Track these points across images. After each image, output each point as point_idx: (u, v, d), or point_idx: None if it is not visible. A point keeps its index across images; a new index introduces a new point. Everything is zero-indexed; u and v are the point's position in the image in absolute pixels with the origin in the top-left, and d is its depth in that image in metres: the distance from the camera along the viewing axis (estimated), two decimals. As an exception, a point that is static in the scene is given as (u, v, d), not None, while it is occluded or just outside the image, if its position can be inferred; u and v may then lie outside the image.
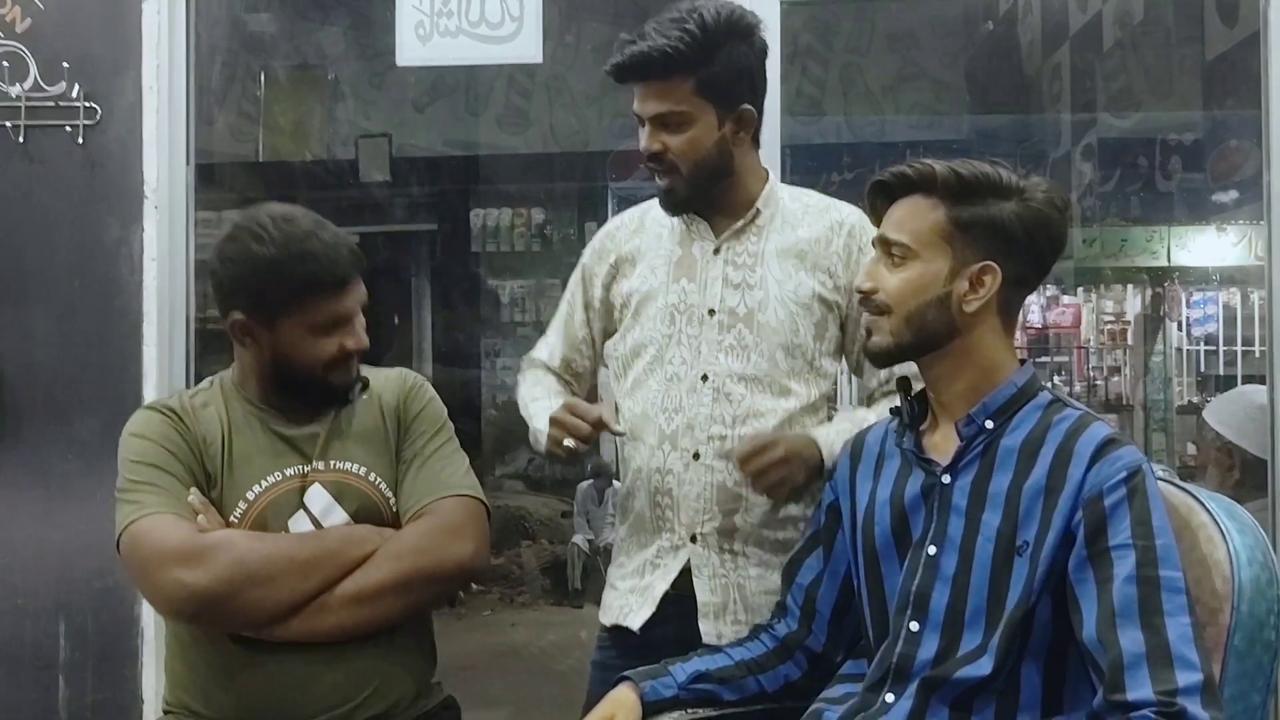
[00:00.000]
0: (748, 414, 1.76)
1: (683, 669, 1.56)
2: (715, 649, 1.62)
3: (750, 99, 1.77)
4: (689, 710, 1.55)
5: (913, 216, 1.42)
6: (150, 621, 2.39)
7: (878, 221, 1.48)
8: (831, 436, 1.71)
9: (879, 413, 1.73)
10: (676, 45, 1.68)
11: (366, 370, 1.78)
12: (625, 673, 1.57)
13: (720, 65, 1.72)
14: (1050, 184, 1.43)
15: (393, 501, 1.69)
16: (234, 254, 1.62)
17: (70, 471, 2.40)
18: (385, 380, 1.78)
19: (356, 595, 1.57)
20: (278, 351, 1.64)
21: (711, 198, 1.81)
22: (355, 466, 1.68)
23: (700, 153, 1.75)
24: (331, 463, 1.67)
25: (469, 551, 1.64)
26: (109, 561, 2.39)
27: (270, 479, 1.64)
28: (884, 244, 1.45)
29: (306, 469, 1.66)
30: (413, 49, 2.49)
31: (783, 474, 1.65)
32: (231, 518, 1.62)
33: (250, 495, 1.63)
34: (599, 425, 1.68)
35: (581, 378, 2.00)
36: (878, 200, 1.48)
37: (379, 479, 1.69)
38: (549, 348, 2.02)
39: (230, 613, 1.54)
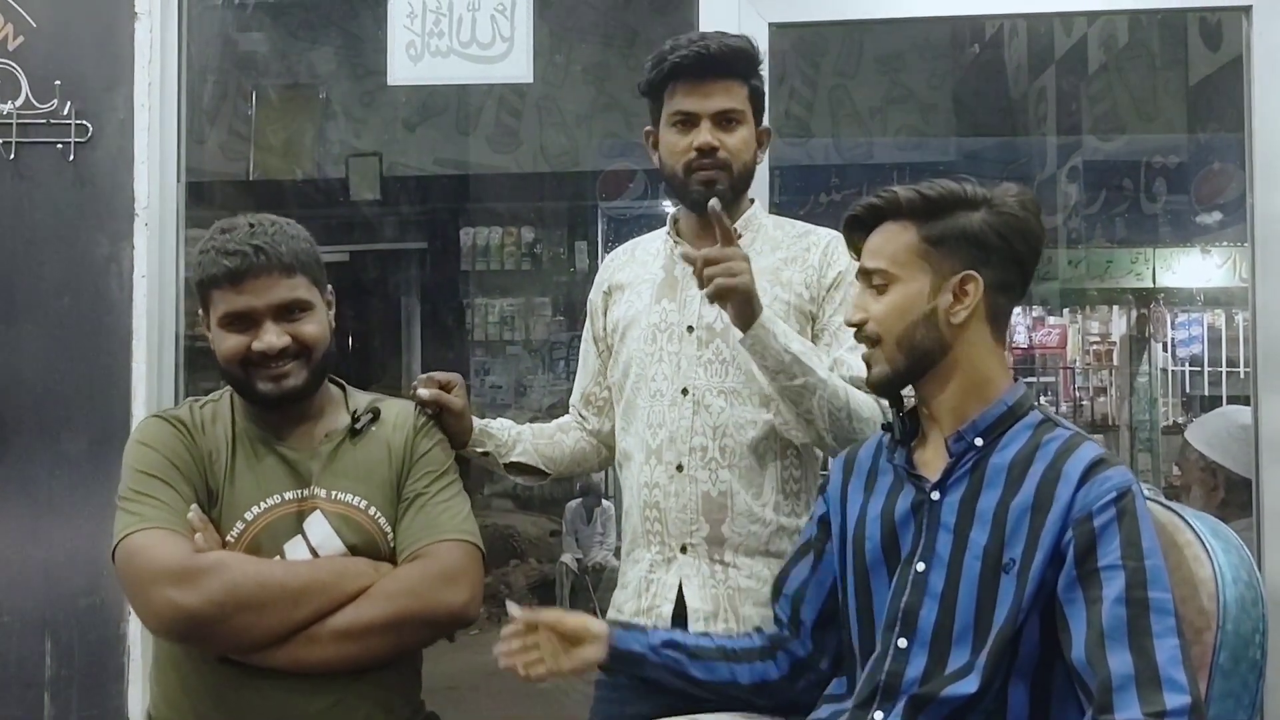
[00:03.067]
0: (728, 424, 1.79)
1: (658, 633, 1.58)
2: (703, 634, 1.64)
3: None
4: None
5: (887, 242, 1.45)
6: (137, 639, 2.38)
7: (858, 256, 1.51)
8: (773, 317, 1.70)
9: (819, 362, 1.72)
10: (747, 48, 1.81)
11: (380, 400, 1.78)
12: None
13: (759, 79, 1.85)
14: (1019, 188, 1.45)
15: (390, 537, 1.67)
16: None
17: (58, 488, 2.39)
18: (397, 414, 1.77)
19: (346, 631, 1.56)
20: (214, 348, 1.66)
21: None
22: (356, 499, 1.67)
23: (748, 154, 1.84)
24: (333, 493, 1.66)
25: (463, 599, 1.62)
26: (96, 578, 2.38)
27: (270, 501, 1.64)
28: (865, 274, 1.48)
29: (306, 494, 1.65)
30: (404, 68, 2.50)
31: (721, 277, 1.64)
32: (228, 537, 1.61)
33: (249, 516, 1.62)
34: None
35: (604, 410, 2.03)
36: (854, 235, 1.51)
37: (379, 514, 1.67)
38: (577, 387, 2.09)
39: (219, 636, 1.53)
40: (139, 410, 2.39)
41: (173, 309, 2.48)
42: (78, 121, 2.42)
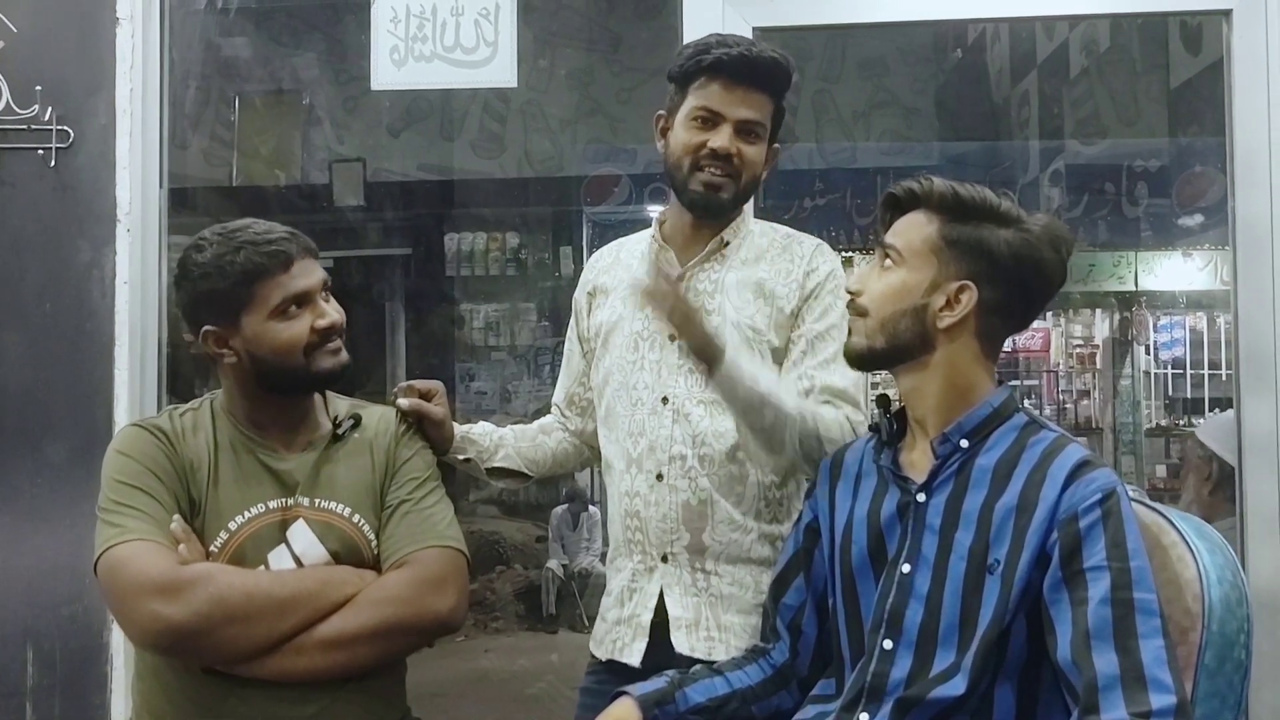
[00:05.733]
0: (707, 434, 1.78)
1: (686, 697, 1.54)
2: (714, 671, 1.61)
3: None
4: None
5: (910, 227, 1.47)
6: (119, 648, 2.36)
7: (886, 231, 1.52)
8: (737, 356, 1.67)
9: (787, 395, 1.69)
10: (788, 67, 1.79)
11: (360, 407, 1.78)
12: (624, 688, 1.56)
13: (783, 99, 1.83)
14: (1057, 224, 1.45)
15: (374, 544, 1.67)
16: (183, 271, 1.65)
17: (39, 495, 2.37)
18: (378, 420, 1.77)
19: (334, 640, 1.55)
20: (254, 353, 1.63)
21: (714, 222, 1.86)
22: (340, 506, 1.66)
23: (758, 169, 1.82)
24: (316, 500, 1.66)
25: (449, 605, 1.62)
26: (78, 587, 2.36)
27: (253, 510, 1.63)
28: (881, 248, 1.49)
29: (290, 502, 1.64)
30: (387, 73, 2.49)
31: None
32: (212, 547, 1.60)
33: (232, 526, 1.61)
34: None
35: (587, 411, 2.02)
36: (888, 213, 1.52)
37: (362, 520, 1.67)
38: (560, 387, 2.07)
39: (205, 648, 1.52)
40: (121, 417, 2.37)
41: (155, 315, 2.46)
42: (59, 127, 2.41)
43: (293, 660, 1.54)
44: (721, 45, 1.77)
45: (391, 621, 1.58)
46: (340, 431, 1.72)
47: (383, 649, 1.60)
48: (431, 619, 1.61)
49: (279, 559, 1.62)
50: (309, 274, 1.64)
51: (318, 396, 1.77)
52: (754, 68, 1.77)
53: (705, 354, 1.63)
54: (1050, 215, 1.48)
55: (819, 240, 1.89)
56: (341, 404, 1.79)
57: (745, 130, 1.78)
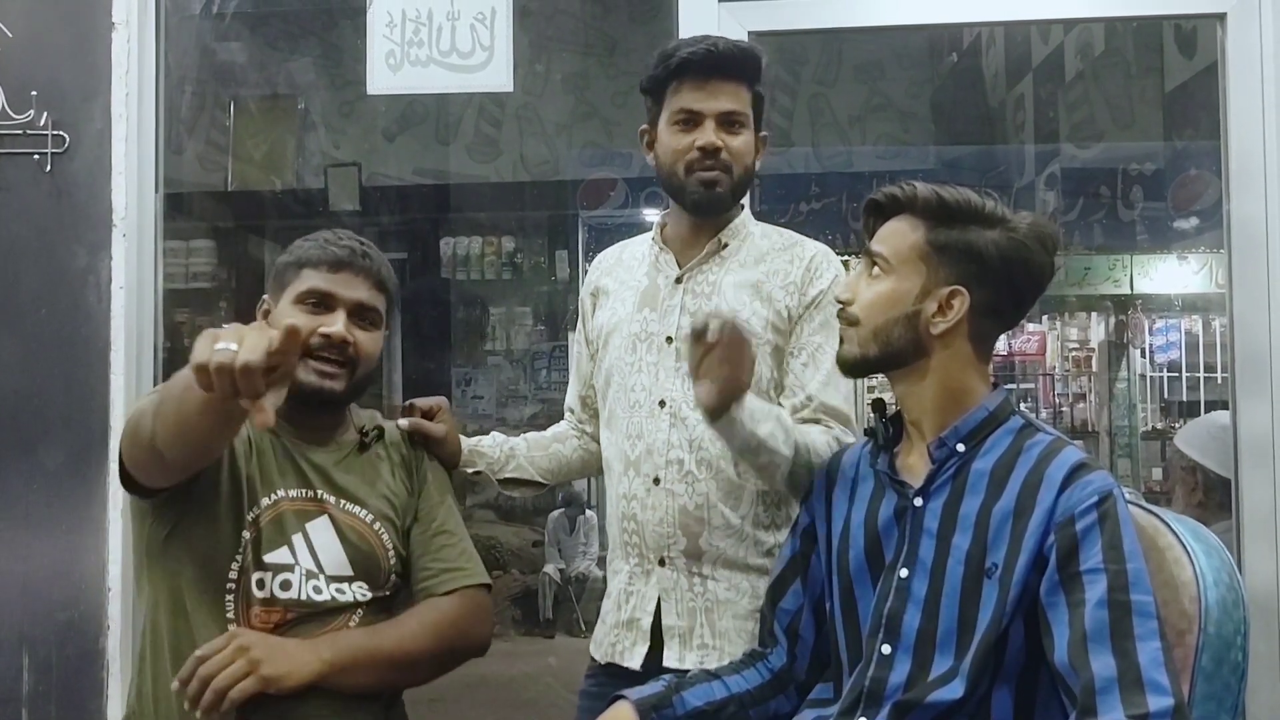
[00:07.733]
0: (704, 437, 1.78)
1: (683, 701, 1.54)
2: (711, 675, 1.60)
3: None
4: None
5: (895, 234, 1.46)
6: (115, 654, 2.36)
7: (871, 238, 1.52)
8: (753, 403, 1.63)
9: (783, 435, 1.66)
10: (755, 53, 1.81)
11: (381, 421, 1.81)
12: (623, 691, 1.56)
13: (762, 86, 1.84)
14: (1043, 221, 1.44)
15: (391, 554, 1.69)
16: None
17: (35, 501, 2.37)
18: (399, 436, 1.81)
19: (400, 660, 1.62)
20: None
21: (714, 220, 1.86)
22: (363, 512, 1.69)
23: (749, 158, 1.83)
24: (342, 503, 1.68)
25: (489, 634, 1.73)
26: (74, 593, 2.36)
27: (279, 494, 1.65)
28: (868, 256, 1.49)
29: (311, 494, 1.67)
30: (383, 78, 2.49)
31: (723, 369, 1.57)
32: (248, 516, 1.63)
33: (264, 502, 1.64)
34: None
35: (598, 414, 2.01)
36: (871, 219, 1.52)
37: (383, 529, 1.70)
38: (571, 390, 2.08)
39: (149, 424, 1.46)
40: (117, 423, 2.36)
41: (151, 320, 2.47)
42: (55, 132, 2.40)
43: (355, 677, 1.58)
44: (686, 46, 1.79)
45: (447, 647, 1.67)
46: (367, 440, 1.75)
47: (437, 669, 1.68)
48: (477, 645, 1.72)
49: (297, 545, 1.65)
50: (349, 288, 1.68)
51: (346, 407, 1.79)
52: (720, 60, 1.78)
53: (724, 402, 1.57)
54: (1035, 213, 1.48)
55: (824, 247, 1.88)
56: (362, 414, 1.81)
57: (727, 122, 1.80)
